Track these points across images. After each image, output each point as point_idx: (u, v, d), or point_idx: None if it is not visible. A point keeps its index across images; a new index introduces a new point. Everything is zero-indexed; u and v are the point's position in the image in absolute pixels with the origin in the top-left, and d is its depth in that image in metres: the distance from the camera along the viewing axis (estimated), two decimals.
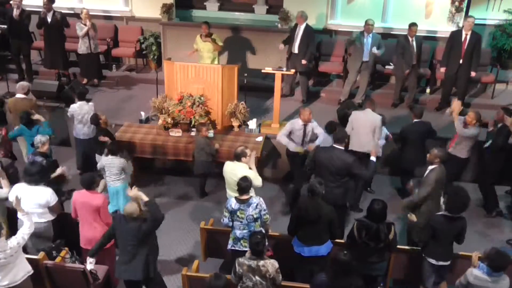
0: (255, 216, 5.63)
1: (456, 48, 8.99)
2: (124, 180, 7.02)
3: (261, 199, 5.72)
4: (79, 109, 8.03)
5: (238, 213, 5.65)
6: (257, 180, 6.14)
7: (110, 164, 6.91)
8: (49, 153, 7.06)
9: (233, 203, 5.68)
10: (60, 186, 6.88)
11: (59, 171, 6.78)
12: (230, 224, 5.77)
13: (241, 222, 5.68)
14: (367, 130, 7.39)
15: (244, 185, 5.62)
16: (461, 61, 8.99)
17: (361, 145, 7.35)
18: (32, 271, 5.37)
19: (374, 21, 9.15)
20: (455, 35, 9.08)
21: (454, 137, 7.61)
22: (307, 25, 9.37)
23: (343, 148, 6.46)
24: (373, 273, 5.65)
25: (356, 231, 5.50)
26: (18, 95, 8.25)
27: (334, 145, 6.46)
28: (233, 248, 5.82)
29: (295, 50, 9.42)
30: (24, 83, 8.42)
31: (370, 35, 9.17)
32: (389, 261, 5.96)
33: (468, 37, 8.88)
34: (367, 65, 9.35)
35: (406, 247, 6.15)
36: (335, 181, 6.32)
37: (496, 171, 7.73)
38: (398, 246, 5.92)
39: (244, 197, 5.65)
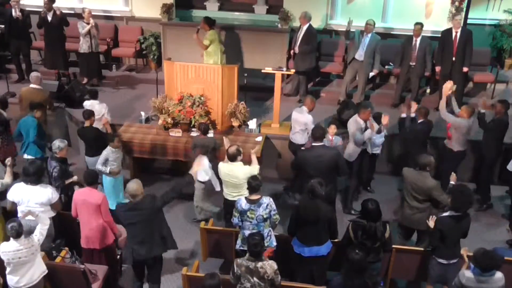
0: (265, 216, 5.62)
1: (448, 47, 9.03)
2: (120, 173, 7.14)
3: (271, 199, 5.70)
4: (90, 107, 8.08)
5: (248, 213, 5.63)
6: (255, 170, 6.27)
7: (111, 156, 7.05)
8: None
9: (243, 203, 5.66)
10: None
11: (74, 179, 6.82)
12: (240, 224, 5.77)
13: (250, 222, 5.66)
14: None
15: (254, 184, 5.61)
16: (453, 59, 9.01)
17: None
18: (46, 271, 5.42)
19: (374, 22, 9.11)
20: (446, 34, 9.11)
21: (449, 135, 7.65)
22: (310, 25, 9.37)
23: (323, 143, 6.60)
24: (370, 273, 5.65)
25: (352, 231, 5.50)
26: (32, 85, 8.29)
27: (314, 144, 6.55)
28: (241, 248, 5.81)
29: (296, 50, 9.44)
30: (37, 73, 8.46)
31: (369, 35, 9.13)
32: (388, 261, 5.96)
33: (458, 35, 8.90)
34: (361, 65, 9.28)
35: (407, 247, 6.15)
36: (324, 177, 6.29)
37: (493, 165, 7.84)
38: (398, 246, 5.93)
39: (254, 197, 5.64)
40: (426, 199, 6.20)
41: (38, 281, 5.33)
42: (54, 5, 9.79)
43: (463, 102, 9.46)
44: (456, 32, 8.91)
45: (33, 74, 8.41)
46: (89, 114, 7.57)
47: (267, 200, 5.65)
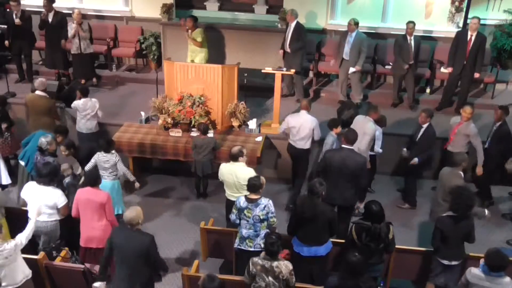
0: (261, 217, 5.62)
1: (461, 49, 8.98)
2: (115, 177, 7.05)
3: (270, 201, 5.70)
4: (83, 105, 8.08)
5: (245, 211, 5.65)
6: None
7: (103, 161, 6.95)
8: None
9: (241, 201, 5.69)
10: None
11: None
12: (237, 221, 5.79)
13: (247, 221, 5.68)
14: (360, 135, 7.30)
15: (252, 183, 5.62)
16: (465, 62, 8.98)
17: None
18: (30, 275, 5.37)
19: (356, 21, 9.11)
20: (460, 36, 9.07)
21: (450, 138, 7.61)
22: (297, 22, 9.35)
23: (353, 148, 6.47)
24: (372, 275, 5.63)
25: (355, 234, 5.48)
26: (38, 92, 8.21)
27: (344, 146, 6.46)
28: (239, 247, 5.83)
29: (287, 48, 9.43)
30: (42, 79, 8.37)
31: (353, 34, 9.14)
32: (388, 262, 5.96)
33: (473, 38, 8.87)
34: (348, 63, 9.29)
35: (407, 247, 6.15)
36: (347, 182, 6.35)
37: (495, 166, 7.78)
38: (398, 246, 5.92)
39: (253, 196, 5.65)
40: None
41: (20, 285, 5.28)
42: (54, 6, 9.77)
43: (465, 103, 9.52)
44: (472, 35, 8.87)
45: (38, 80, 8.30)
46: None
47: (265, 202, 5.65)
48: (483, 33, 9.16)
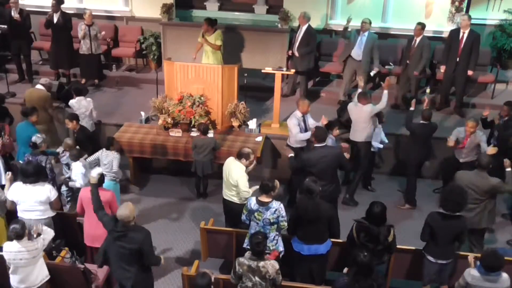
0: (271, 220, 5.60)
1: (454, 47, 8.99)
2: (114, 178, 7.03)
3: (282, 205, 5.65)
4: (77, 105, 8.10)
5: (255, 214, 5.63)
6: (245, 188, 6.21)
7: (104, 158, 6.97)
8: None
9: (252, 203, 5.67)
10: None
11: None
12: (247, 222, 5.79)
13: (257, 223, 5.67)
14: (362, 120, 7.58)
15: (263, 183, 5.60)
16: (457, 60, 8.98)
17: (358, 135, 7.70)
18: (49, 276, 5.43)
19: (370, 20, 9.11)
20: (453, 34, 9.08)
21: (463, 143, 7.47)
22: (309, 26, 9.36)
23: (325, 144, 6.60)
24: None
25: (355, 232, 5.49)
26: (37, 86, 8.29)
27: (316, 145, 6.55)
28: (248, 247, 5.78)
29: (296, 53, 9.43)
30: (46, 79, 8.54)
31: (366, 34, 9.12)
32: (388, 262, 5.96)
33: (465, 36, 8.87)
34: (359, 65, 9.25)
35: (406, 247, 6.15)
36: (326, 179, 6.37)
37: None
38: (399, 246, 5.93)
39: (265, 199, 5.62)
40: (482, 200, 6.23)
41: (39, 286, 5.33)
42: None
43: (464, 102, 9.52)
44: (464, 33, 8.87)
45: (42, 79, 8.43)
46: (73, 117, 7.51)
47: (276, 205, 5.61)
48: (483, 33, 9.16)
